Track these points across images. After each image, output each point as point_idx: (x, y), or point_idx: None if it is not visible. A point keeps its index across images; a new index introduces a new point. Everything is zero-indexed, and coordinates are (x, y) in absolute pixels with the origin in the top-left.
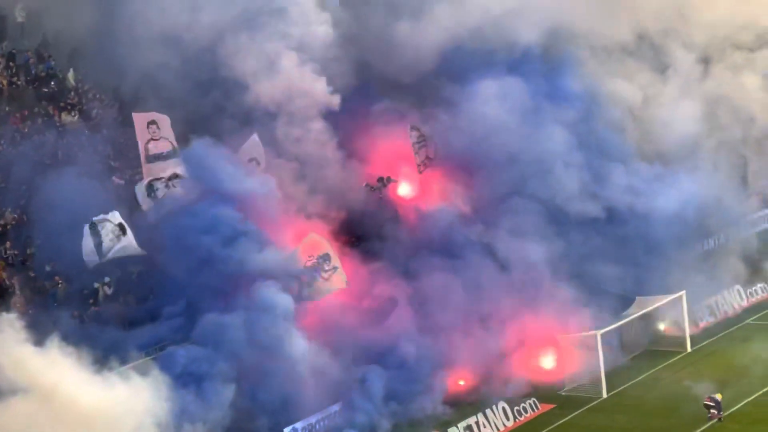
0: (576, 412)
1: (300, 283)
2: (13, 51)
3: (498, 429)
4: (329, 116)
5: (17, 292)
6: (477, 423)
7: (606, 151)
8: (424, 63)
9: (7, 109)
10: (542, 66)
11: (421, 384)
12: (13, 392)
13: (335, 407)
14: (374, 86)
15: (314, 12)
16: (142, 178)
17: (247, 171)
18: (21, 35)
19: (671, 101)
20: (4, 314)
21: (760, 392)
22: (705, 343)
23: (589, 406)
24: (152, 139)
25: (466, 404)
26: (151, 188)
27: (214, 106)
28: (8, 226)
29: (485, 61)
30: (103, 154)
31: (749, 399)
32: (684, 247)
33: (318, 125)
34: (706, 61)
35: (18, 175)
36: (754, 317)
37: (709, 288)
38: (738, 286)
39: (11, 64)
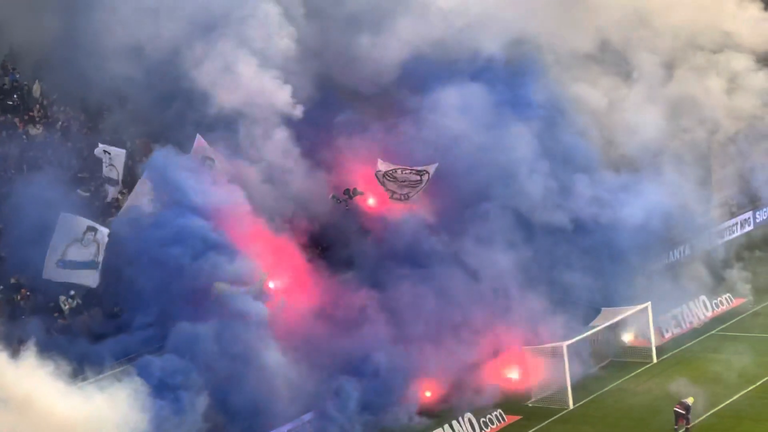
0: (542, 424)
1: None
2: None
3: None
4: (292, 126)
5: None
6: None
7: (571, 158)
8: (386, 75)
9: None
10: (505, 74)
11: (394, 394)
12: None
13: (308, 416)
14: (336, 98)
15: (277, 25)
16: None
17: (212, 179)
18: None
19: (635, 106)
20: None
21: (725, 403)
22: (671, 354)
23: (555, 417)
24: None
25: (433, 415)
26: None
27: (177, 115)
28: None
29: (447, 71)
30: (69, 166)
31: (714, 410)
32: (649, 258)
33: (281, 134)
34: (669, 66)
35: None
36: (719, 328)
37: (674, 298)
38: (703, 297)
39: None
